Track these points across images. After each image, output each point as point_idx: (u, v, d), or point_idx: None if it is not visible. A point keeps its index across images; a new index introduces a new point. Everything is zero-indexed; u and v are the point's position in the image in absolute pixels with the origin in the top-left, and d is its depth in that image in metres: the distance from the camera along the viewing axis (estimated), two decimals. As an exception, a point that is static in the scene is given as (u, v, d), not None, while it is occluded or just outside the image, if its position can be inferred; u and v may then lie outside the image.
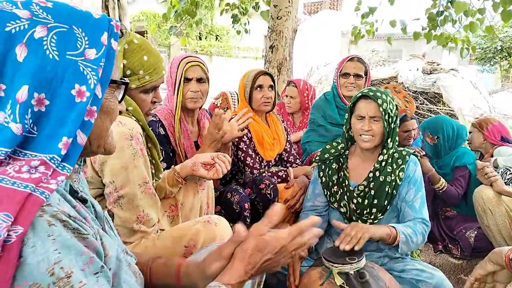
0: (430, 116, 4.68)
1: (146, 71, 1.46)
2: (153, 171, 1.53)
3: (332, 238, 1.93)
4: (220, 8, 6.43)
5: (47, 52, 0.65)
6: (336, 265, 1.46)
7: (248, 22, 6.77)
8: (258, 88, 2.35)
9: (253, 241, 0.93)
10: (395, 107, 1.77)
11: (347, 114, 1.86)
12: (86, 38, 0.69)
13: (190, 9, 4.88)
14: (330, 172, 1.90)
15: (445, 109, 6.51)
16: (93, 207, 0.83)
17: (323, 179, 1.92)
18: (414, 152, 1.87)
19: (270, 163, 2.47)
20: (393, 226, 1.65)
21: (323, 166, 1.93)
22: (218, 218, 1.58)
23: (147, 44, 1.48)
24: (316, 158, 1.95)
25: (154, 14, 17.66)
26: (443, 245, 2.71)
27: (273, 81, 2.41)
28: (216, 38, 20.41)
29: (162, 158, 1.63)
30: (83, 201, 0.79)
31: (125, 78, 0.95)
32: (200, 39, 19.33)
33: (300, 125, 3.32)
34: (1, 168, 0.62)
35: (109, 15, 6.24)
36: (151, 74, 1.47)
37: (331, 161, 1.92)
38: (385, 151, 1.79)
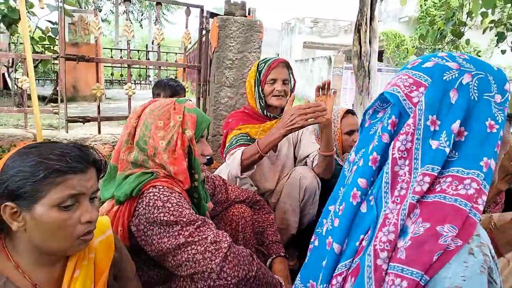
0: None
1: None
2: None
3: None
4: (482, 26, 5.98)
5: (470, 93, 0.81)
6: None
7: (517, 39, 6.07)
8: None
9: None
10: None
11: None
12: (495, 86, 0.83)
13: (457, 30, 4.70)
14: None
15: None
16: None
17: None
18: None
19: None
20: None
21: None
22: None
23: None
24: None
25: (395, 34, 17.64)
26: None
27: None
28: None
29: None
30: None
31: None
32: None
33: None
34: (438, 187, 0.78)
35: (360, 39, 6.55)
36: None
37: None
38: None
